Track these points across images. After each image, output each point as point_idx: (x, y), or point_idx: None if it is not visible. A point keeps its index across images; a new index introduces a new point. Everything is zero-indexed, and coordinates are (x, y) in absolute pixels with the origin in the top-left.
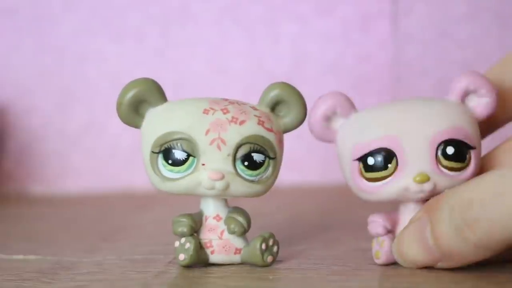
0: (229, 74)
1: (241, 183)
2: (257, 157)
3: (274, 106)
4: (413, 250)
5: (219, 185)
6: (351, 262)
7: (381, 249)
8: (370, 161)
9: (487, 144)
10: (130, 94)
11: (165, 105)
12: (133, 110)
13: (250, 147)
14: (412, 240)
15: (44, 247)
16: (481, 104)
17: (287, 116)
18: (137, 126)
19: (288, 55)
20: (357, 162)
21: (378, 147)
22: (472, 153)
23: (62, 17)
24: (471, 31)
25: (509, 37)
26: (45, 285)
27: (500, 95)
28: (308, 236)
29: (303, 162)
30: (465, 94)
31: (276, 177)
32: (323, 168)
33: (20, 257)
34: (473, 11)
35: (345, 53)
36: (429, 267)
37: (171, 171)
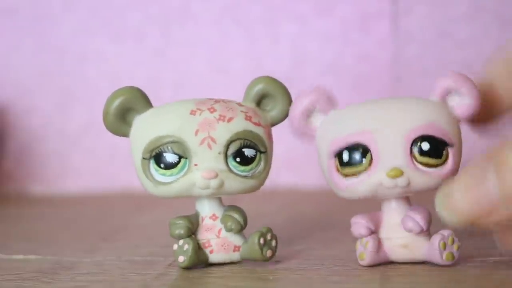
0: (229, 74)
1: (235, 180)
2: (248, 152)
3: (260, 100)
4: (468, 198)
5: (214, 183)
6: (351, 262)
7: (365, 250)
8: (345, 155)
9: (485, 144)
10: (116, 103)
11: (151, 110)
12: (120, 119)
13: (241, 143)
14: (469, 187)
15: (44, 247)
16: (462, 104)
17: (274, 109)
18: (125, 134)
19: (287, 55)
20: (333, 158)
21: (352, 141)
22: (450, 150)
23: (62, 17)
24: (471, 31)
25: (509, 37)
26: (45, 285)
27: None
28: (307, 237)
29: (301, 163)
30: (446, 93)
31: (268, 171)
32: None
33: (20, 257)
34: (473, 11)
35: (345, 53)
36: (429, 267)
37: (163, 174)
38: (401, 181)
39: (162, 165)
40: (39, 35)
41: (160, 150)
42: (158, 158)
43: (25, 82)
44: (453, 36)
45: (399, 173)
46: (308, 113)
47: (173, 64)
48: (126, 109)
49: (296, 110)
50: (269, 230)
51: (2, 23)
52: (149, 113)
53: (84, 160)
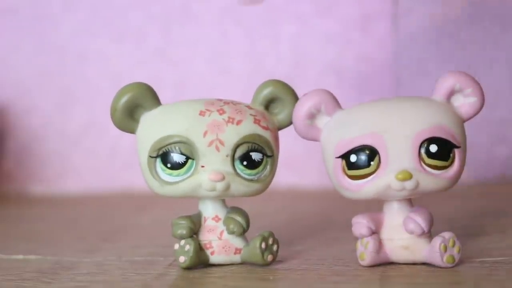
0: (229, 74)
1: (241, 183)
2: (255, 156)
3: (268, 104)
4: None
5: (220, 186)
6: (351, 262)
7: (365, 251)
8: (353, 158)
9: (486, 143)
10: (124, 100)
11: (159, 108)
12: (128, 115)
13: (248, 147)
14: None
15: (44, 247)
16: (466, 104)
17: (282, 113)
18: (132, 131)
19: (288, 55)
20: (340, 159)
21: (361, 144)
22: (456, 152)
23: (62, 17)
24: (471, 31)
25: (509, 37)
26: (45, 285)
27: None
28: (307, 237)
29: (302, 163)
30: (451, 93)
31: (274, 175)
32: (322, 169)
33: (20, 257)
34: (473, 11)
35: (345, 53)
36: (429, 268)
37: (170, 174)
38: (409, 184)
39: (168, 165)
40: (39, 35)
41: (167, 150)
42: (165, 158)
43: (25, 82)
44: (453, 36)
45: (408, 176)
46: (312, 115)
47: (173, 64)
48: (134, 105)
49: (300, 111)
50: (271, 234)
51: (2, 23)
52: (157, 111)
53: (84, 160)
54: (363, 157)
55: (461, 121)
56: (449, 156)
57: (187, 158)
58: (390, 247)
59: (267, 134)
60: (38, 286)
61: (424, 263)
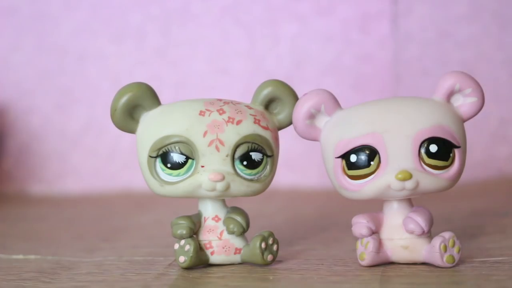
0: (229, 74)
1: (241, 183)
2: (255, 156)
3: (268, 104)
4: None
5: (220, 186)
6: (351, 262)
7: (365, 251)
8: (353, 158)
9: (486, 143)
10: (124, 100)
11: (159, 108)
12: (128, 115)
13: (248, 147)
14: None
15: (44, 247)
16: (466, 104)
17: (282, 113)
18: (132, 131)
19: (288, 55)
20: (340, 159)
21: (360, 144)
22: (456, 152)
23: (62, 17)
24: (471, 31)
25: (508, 37)
26: (45, 285)
27: None
28: (307, 237)
29: (302, 163)
30: (451, 93)
31: (274, 174)
32: (322, 169)
33: (20, 257)
34: (473, 11)
35: (345, 53)
36: (429, 268)
37: (170, 174)
38: (409, 183)
39: (168, 165)
40: (39, 35)
41: (167, 150)
42: (164, 158)
43: (25, 82)
44: (453, 36)
45: (408, 176)
46: (312, 115)
47: (173, 64)
48: (134, 105)
49: (300, 111)
50: (271, 234)
51: (2, 23)
52: (157, 111)
53: (84, 160)
54: (363, 157)
55: (461, 121)
56: (449, 156)
57: (187, 158)
58: (390, 247)
59: (267, 134)
60: (38, 286)
61: (424, 263)
